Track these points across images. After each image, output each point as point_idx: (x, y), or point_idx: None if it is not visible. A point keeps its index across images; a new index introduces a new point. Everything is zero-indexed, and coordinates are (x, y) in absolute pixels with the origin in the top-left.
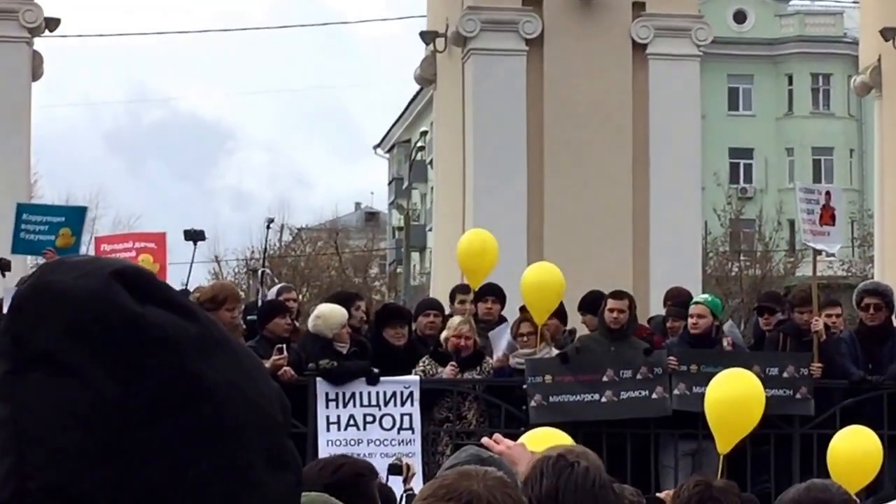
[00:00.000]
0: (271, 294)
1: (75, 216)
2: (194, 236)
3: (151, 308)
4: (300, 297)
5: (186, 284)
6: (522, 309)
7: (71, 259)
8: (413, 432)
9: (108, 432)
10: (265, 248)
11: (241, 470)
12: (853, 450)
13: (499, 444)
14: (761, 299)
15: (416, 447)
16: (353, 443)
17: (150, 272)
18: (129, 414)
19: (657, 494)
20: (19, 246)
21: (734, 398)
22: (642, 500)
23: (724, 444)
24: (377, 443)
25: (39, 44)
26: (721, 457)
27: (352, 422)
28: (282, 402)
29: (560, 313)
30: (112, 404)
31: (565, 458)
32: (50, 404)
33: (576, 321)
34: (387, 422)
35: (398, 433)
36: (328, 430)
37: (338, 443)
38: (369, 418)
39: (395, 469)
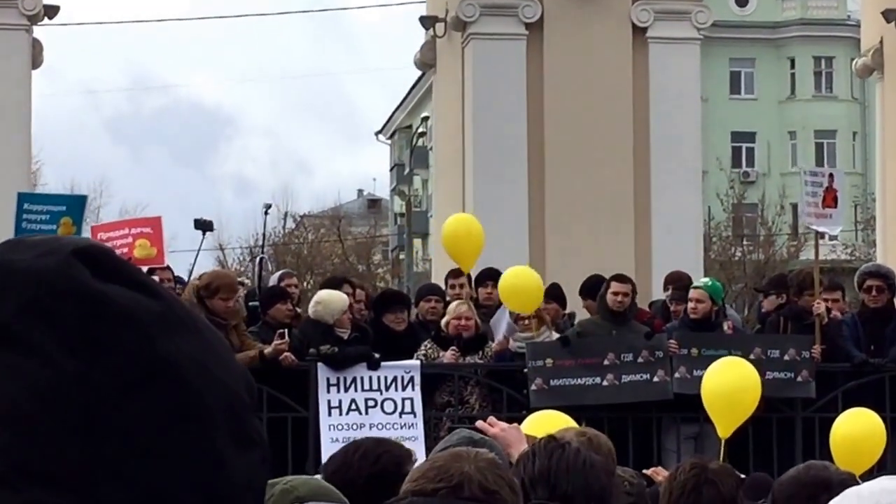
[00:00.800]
0: (273, 280)
1: (75, 205)
2: (203, 226)
3: (113, 286)
4: (304, 284)
5: (191, 272)
6: None
7: (31, 238)
8: (415, 416)
9: (73, 410)
10: (264, 234)
11: (208, 447)
12: (856, 432)
13: (493, 426)
14: (766, 283)
15: (419, 431)
16: (355, 427)
17: (111, 250)
18: (94, 392)
19: (644, 471)
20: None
21: (730, 388)
22: (642, 481)
23: (724, 430)
24: (379, 427)
25: (39, 32)
26: (722, 441)
27: (353, 406)
28: (247, 382)
29: (559, 297)
30: (76, 382)
31: (556, 440)
32: (12, 384)
33: (575, 305)
34: (388, 406)
35: (400, 417)
36: (330, 414)
37: (340, 427)
38: (371, 402)
39: None
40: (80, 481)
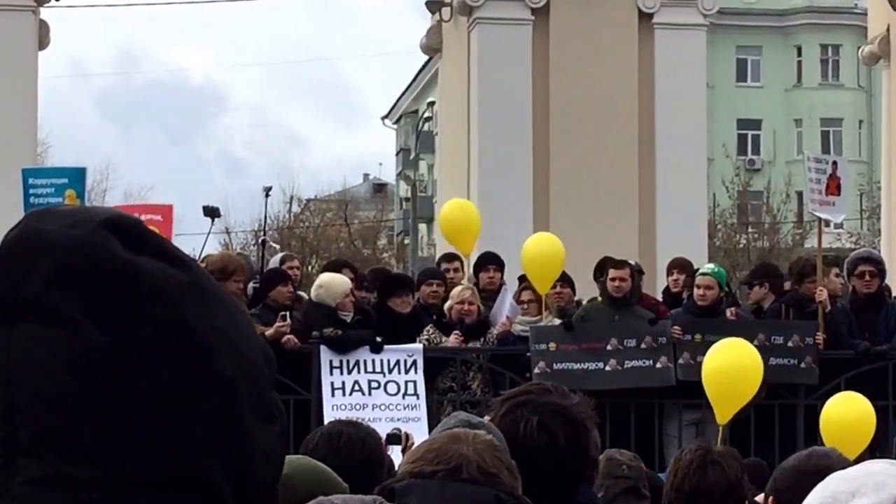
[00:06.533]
0: (274, 262)
1: (77, 177)
2: (211, 213)
3: (143, 257)
4: (309, 268)
5: (200, 255)
6: (522, 277)
7: (59, 208)
8: (418, 398)
9: (100, 381)
10: (265, 216)
11: (232, 420)
12: (846, 416)
13: None
14: (749, 274)
15: (422, 412)
16: (358, 407)
17: (140, 221)
18: (121, 362)
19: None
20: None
21: (732, 368)
22: (640, 464)
23: (723, 414)
24: (382, 408)
25: (45, 13)
26: (721, 427)
27: (356, 387)
28: (266, 355)
29: (571, 283)
30: (103, 353)
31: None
32: (40, 353)
33: (584, 292)
34: (391, 388)
35: (403, 398)
36: (333, 395)
37: (343, 407)
38: (374, 384)
39: (393, 439)
40: (106, 452)
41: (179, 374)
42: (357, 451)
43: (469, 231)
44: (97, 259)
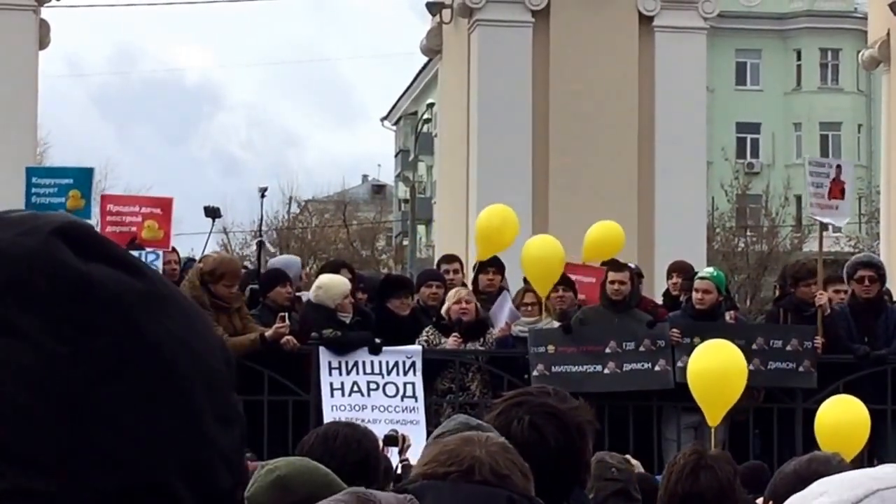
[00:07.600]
0: (293, 268)
1: (83, 177)
2: (212, 213)
3: (96, 265)
4: (307, 269)
5: (201, 255)
6: (526, 279)
7: (8, 215)
8: (416, 400)
9: (57, 393)
10: (261, 218)
11: (193, 427)
12: (840, 419)
13: None
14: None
15: (420, 415)
16: (357, 408)
17: (92, 227)
18: (79, 374)
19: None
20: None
21: (714, 370)
22: (630, 466)
23: (713, 416)
24: (381, 409)
25: (46, 12)
26: (714, 430)
27: (355, 388)
28: (225, 355)
29: (573, 286)
30: (60, 364)
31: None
32: None
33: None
34: (390, 389)
35: (402, 400)
36: (332, 395)
37: (342, 408)
38: (373, 385)
39: (390, 440)
40: (65, 464)
41: (138, 383)
42: (353, 452)
43: (502, 243)
44: (50, 269)
